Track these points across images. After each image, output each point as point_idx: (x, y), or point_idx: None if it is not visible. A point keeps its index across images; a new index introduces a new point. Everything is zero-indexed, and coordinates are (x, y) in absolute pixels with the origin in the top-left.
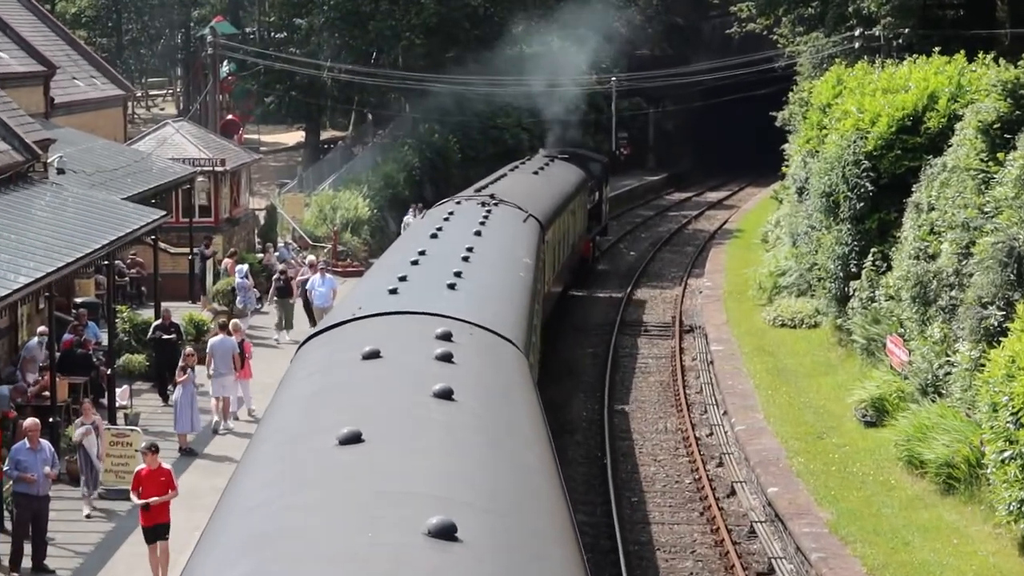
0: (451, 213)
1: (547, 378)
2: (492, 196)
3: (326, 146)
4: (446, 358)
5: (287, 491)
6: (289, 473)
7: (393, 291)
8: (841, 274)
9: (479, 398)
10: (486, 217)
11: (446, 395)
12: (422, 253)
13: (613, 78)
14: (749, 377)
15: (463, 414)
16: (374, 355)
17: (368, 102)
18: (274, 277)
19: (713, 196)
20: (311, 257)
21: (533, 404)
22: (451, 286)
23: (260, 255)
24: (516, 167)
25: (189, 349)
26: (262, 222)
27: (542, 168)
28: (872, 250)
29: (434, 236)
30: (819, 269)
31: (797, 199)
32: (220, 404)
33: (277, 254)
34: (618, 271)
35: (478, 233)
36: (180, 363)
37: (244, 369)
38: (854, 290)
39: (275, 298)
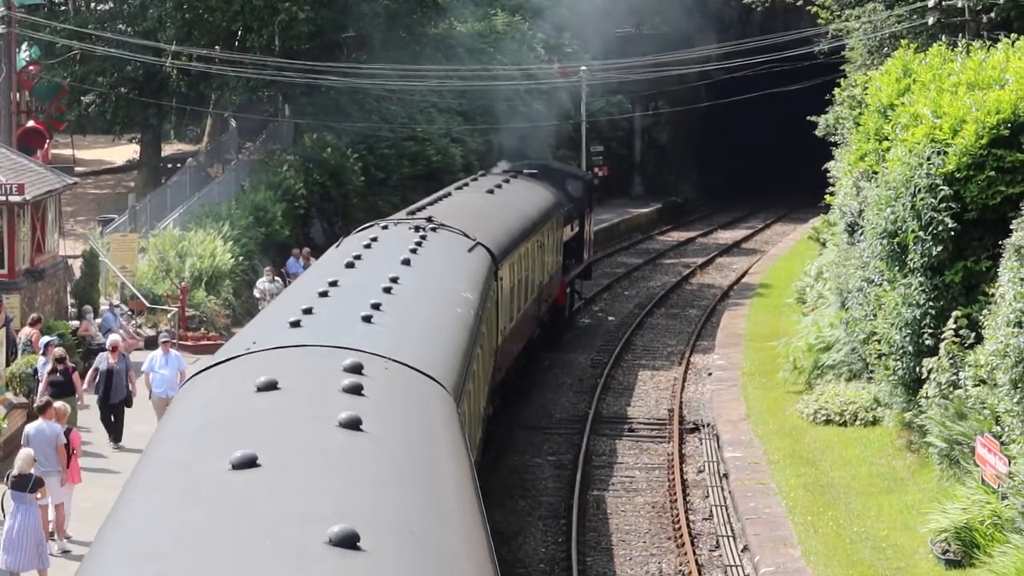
0: (374, 239)
1: (491, 496)
2: (429, 220)
3: (170, 166)
4: (355, 390)
5: (176, 511)
6: (178, 496)
7: (295, 324)
8: (911, 348)
9: (392, 431)
10: (419, 244)
11: (353, 425)
12: (333, 284)
13: (582, 67)
14: (780, 497)
15: (372, 444)
16: (270, 386)
17: (230, 103)
18: (45, 368)
19: (726, 237)
20: (115, 337)
21: (457, 447)
22: (366, 319)
23: (75, 323)
24: (464, 185)
25: None
26: (78, 275)
27: (498, 187)
28: (955, 314)
29: (350, 265)
30: (879, 342)
31: (847, 241)
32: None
33: (100, 321)
34: (590, 343)
35: (407, 262)
36: None
37: (71, 469)
38: (929, 371)
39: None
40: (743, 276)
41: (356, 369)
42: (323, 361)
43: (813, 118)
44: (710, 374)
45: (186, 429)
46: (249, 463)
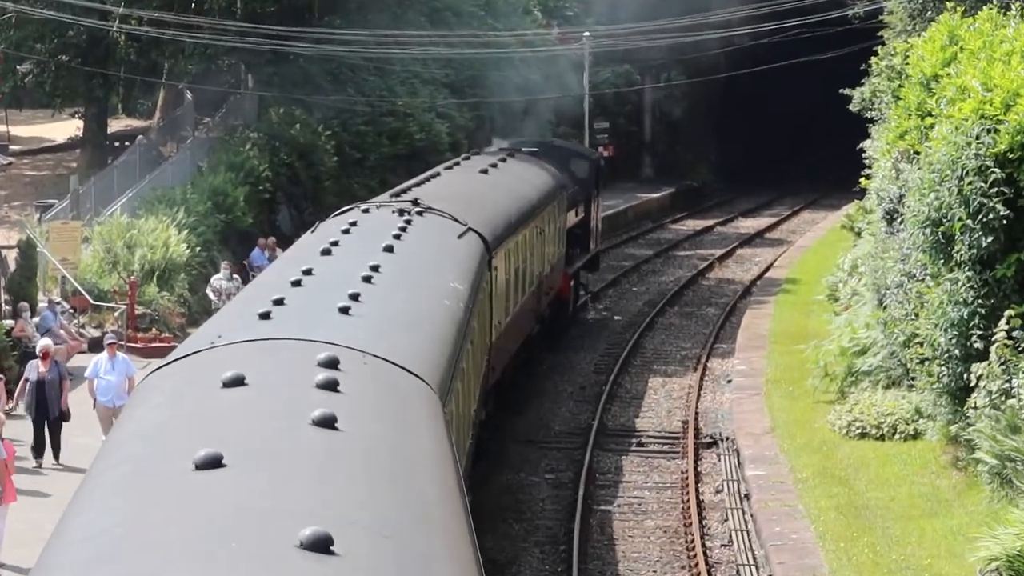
0: (353, 224)
1: (481, 519)
2: (415, 202)
3: (117, 144)
4: (329, 386)
5: (136, 513)
6: (137, 497)
7: (265, 315)
8: (957, 352)
9: (370, 430)
10: (403, 229)
11: (328, 423)
12: (308, 272)
13: (585, 33)
14: (808, 520)
15: (348, 443)
16: (237, 382)
17: (186, 73)
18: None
19: (748, 225)
20: (45, 342)
21: (442, 449)
22: (344, 310)
23: (9, 323)
24: (455, 165)
25: None
26: (12, 268)
27: (493, 167)
28: (1007, 313)
29: (327, 252)
30: (921, 344)
31: (885, 230)
32: None
33: (38, 320)
34: (594, 346)
35: (389, 249)
36: None
37: (6, 487)
38: (978, 378)
39: None
40: (767, 270)
41: (331, 364)
42: (295, 355)
43: (847, 91)
44: (729, 381)
45: (145, 427)
46: (214, 463)
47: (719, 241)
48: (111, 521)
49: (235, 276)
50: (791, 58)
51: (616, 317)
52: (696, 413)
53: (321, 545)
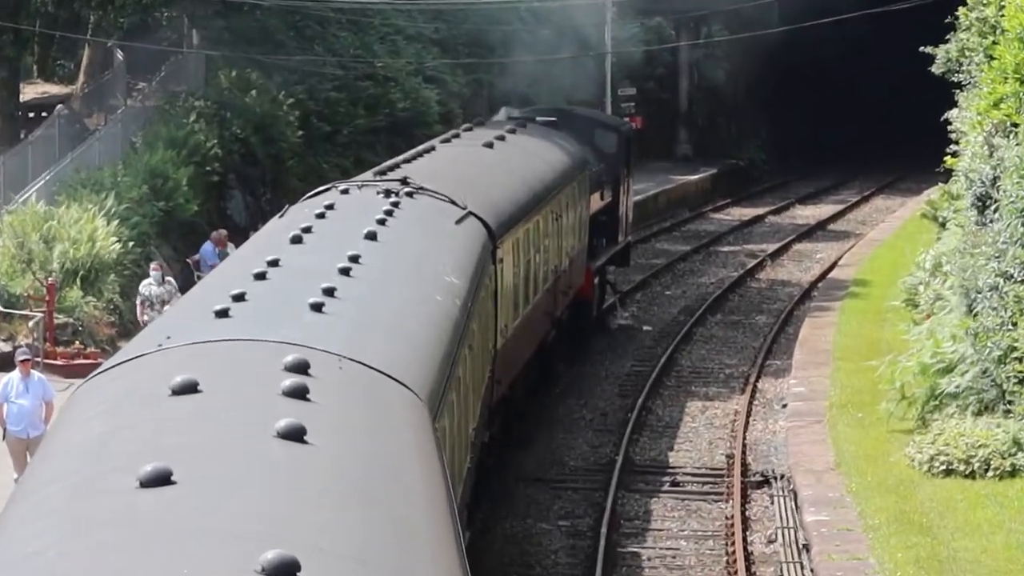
0: (330, 207)
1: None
2: (404, 181)
3: (32, 115)
4: (298, 393)
5: (71, 536)
6: (72, 518)
7: (222, 313)
8: None
9: (344, 443)
10: (389, 213)
11: (295, 435)
12: (274, 263)
13: None
14: None
15: (318, 458)
16: (189, 388)
17: (116, 27)
18: None
19: (807, 214)
20: None
21: (431, 468)
22: (316, 307)
23: None
24: (454, 137)
25: None
26: None
27: (500, 139)
28: None
29: (297, 240)
30: (1020, 360)
31: (976, 220)
32: None
33: None
34: (618, 362)
35: (372, 236)
36: None
37: None
38: None
39: None
40: (830, 269)
41: (300, 368)
42: (258, 358)
43: (929, 49)
44: (784, 406)
45: (81, 440)
46: (162, 479)
47: (771, 234)
48: (42, 544)
49: (168, 280)
50: (860, 8)
51: (645, 327)
52: (743, 445)
53: (286, 571)
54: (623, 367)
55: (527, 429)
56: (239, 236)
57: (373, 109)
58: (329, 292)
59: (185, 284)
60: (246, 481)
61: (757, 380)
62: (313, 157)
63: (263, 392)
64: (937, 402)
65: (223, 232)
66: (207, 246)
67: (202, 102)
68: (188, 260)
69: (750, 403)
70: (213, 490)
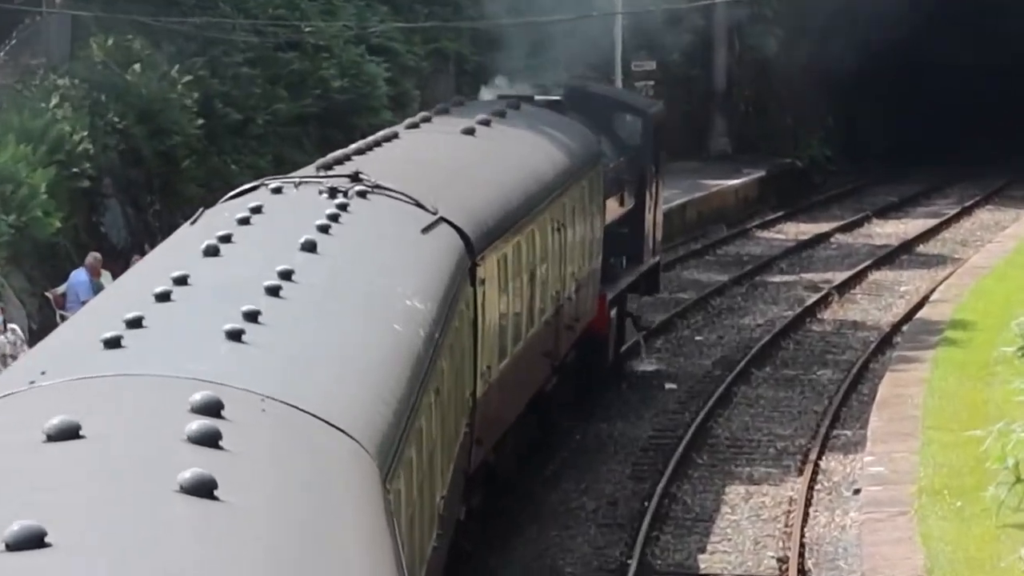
0: (257, 210)
1: None
2: (356, 177)
3: None
4: (207, 440)
5: None
6: None
7: (113, 343)
8: None
9: (264, 501)
10: (334, 219)
11: (202, 489)
12: (181, 281)
13: None
14: None
15: (232, 518)
16: (68, 433)
17: None
18: None
19: (888, 232)
20: None
21: (378, 536)
22: (234, 336)
23: None
24: (424, 122)
25: None
26: None
27: (485, 124)
28: None
29: (212, 252)
30: None
31: None
32: None
33: None
34: (633, 431)
35: (310, 247)
36: None
37: None
38: None
39: None
40: (919, 307)
41: (212, 409)
42: (157, 398)
43: None
44: (857, 492)
45: None
46: (34, 541)
47: (839, 259)
48: None
49: (12, 328)
50: None
51: (668, 385)
52: (801, 545)
53: None
54: (638, 438)
55: (512, 515)
56: (116, 262)
57: (299, 90)
58: (251, 317)
59: (43, 329)
60: (139, 545)
61: (820, 457)
62: (217, 155)
63: (163, 438)
64: None
65: (98, 256)
66: (78, 275)
67: (67, 80)
68: (49, 294)
69: (810, 488)
70: (96, 556)
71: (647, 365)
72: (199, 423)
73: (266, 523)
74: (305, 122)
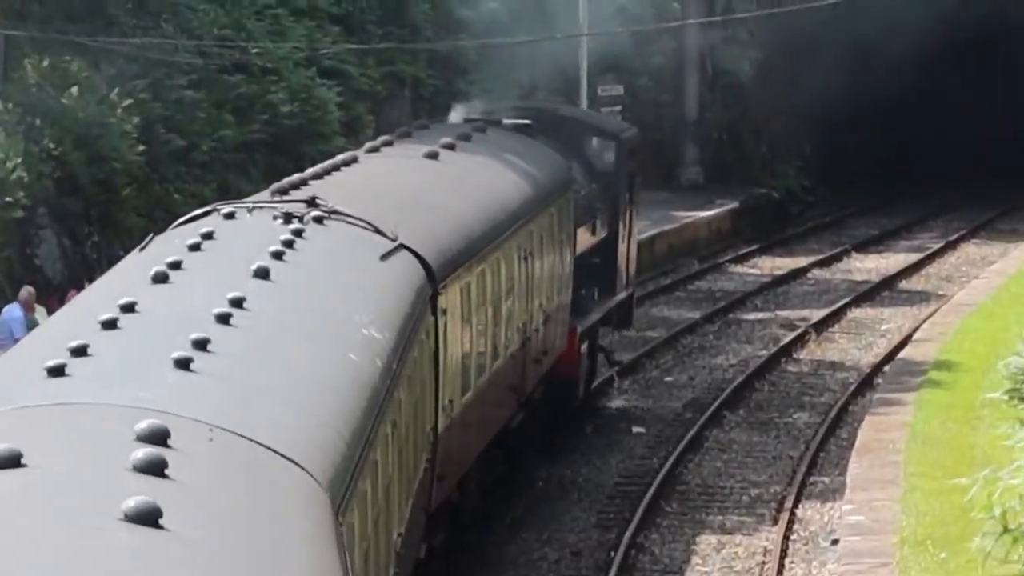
0: (209, 235)
1: None
2: (313, 202)
3: None
4: (152, 468)
5: None
6: None
7: (56, 371)
8: None
9: (211, 529)
10: (289, 245)
11: (147, 518)
12: (128, 309)
13: None
14: None
15: (177, 547)
16: (11, 462)
17: None
18: None
19: (868, 266)
20: None
21: (328, 563)
22: (182, 364)
23: None
24: (384, 146)
25: None
26: None
27: (449, 148)
28: None
29: (161, 279)
30: None
31: None
32: None
33: None
34: (599, 476)
35: (263, 274)
36: None
37: None
38: None
39: None
40: (901, 347)
41: (158, 437)
42: (102, 426)
43: None
44: (835, 542)
45: None
46: None
47: (817, 295)
48: None
49: None
50: None
51: (636, 428)
52: None
53: None
54: (604, 484)
55: (469, 568)
56: (52, 296)
57: (246, 115)
58: (200, 345)
59: None
60: (82, 574)
61: (796, 505)
62: (159, 183)
63: (107, 466)
64: None
65: (32, 291)
66: (12, 311)
67: None
68: None
69: (785, 538)
70: None
71: (620, 401)
72: (144, 451)
73: (212, 553)
74: (252, 149)
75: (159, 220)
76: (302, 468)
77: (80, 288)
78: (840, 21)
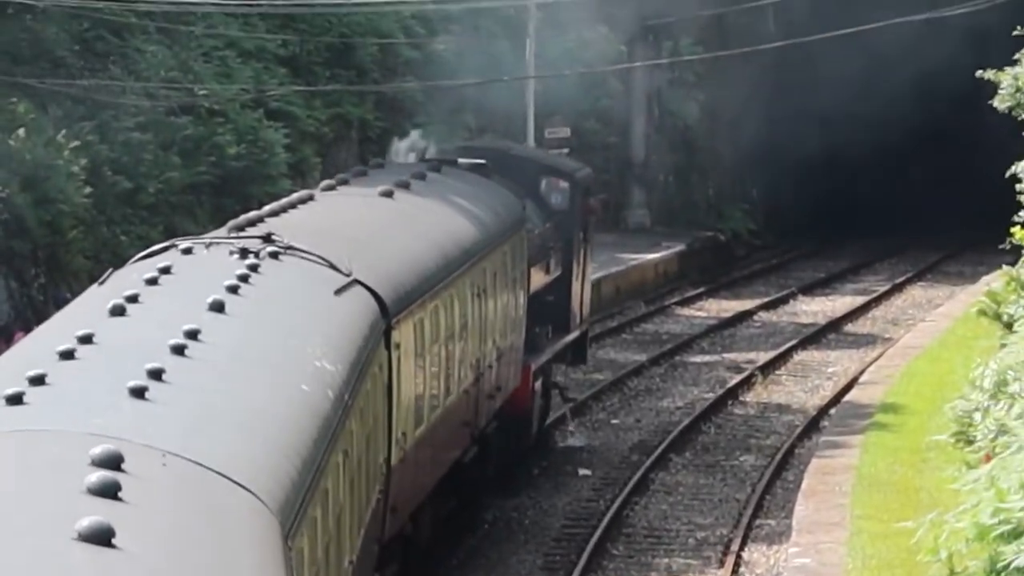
0: (166, 270)
1: None
2: (269, 239)
3: None
4: (106, 491)
5: None
6: None
7: (15, 399)
8: None
9: (162, 550)
10: (244, 279)
11: (100, 537)
12: (86, 340)
13: None
14: None
15: (129, 566)
16: None
17: None
18: None
19: (815, 309)
20: None
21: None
22: (137, 393)
23: None
24: (341, 184)
25: None
26: None
27: (404, 187)
28: None
29: (119, 312)
30: None
31: None
32: None
33: None
34: (546, 520)
35: (218, 307)
36: None
37: None
38: None
39: None
40: (847, 389)
41: (111, 462)
42: (58, 451)
43: (989, 75)
44: None
45: None
46: None
47: (763, 338)
48: None
49: None
50: (896, 14)
51: (582, 471)
52: None
53: None
54: (550, 527)
55: None
56: None
57: (193, 157)
58: (156, 375)
59: None
60: None
61: (742, 548)
62: (106, 225)
63: (62, 489)
64: None
65: None
66: None
67: None
68: None
69: None
70: None
71: (574, 440)
72: (99, 475)
73: (163, 571)
74: (199, 190)
75: (105, 262)
76: (252, 493)
77: (27, 330)
78: (786, 66)
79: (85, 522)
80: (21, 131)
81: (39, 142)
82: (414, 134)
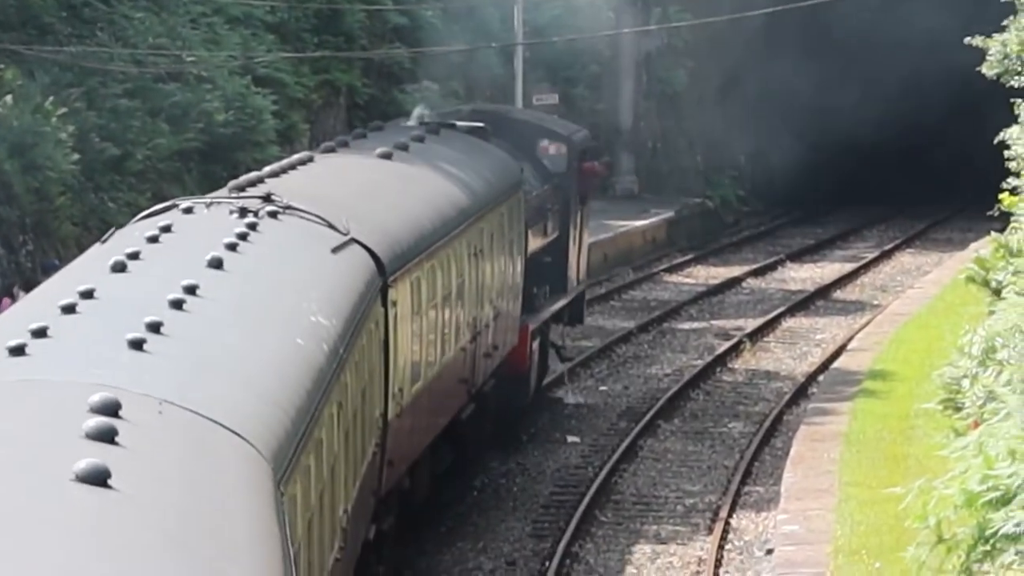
0: (167, 229)
1: None
2: (268, 198)
3: None
4: (103, 436)
5: None
6: None
7: (17, 350)
8: None
9: (157, 491)
10: (243, 237)
11: (97, 478)
12: (87, 295)
13: None
14: None
15: (124, 506)
16: None
17: None
18: None
19: (804, 276)
20: None
21: (267, 527)
22: (136, 344)
23: None
24: (340, 146)
25: None
26: None
27: (403, 149)
28: None
29: (120, 268)
30: None
31: None
32: None
33: None
34: (535, 487)
35: (217, 264)
36: None
37: None
38: None
39: None
40: (836, 356)
41: (109, 409)
42: (58, 400)
43: (977, 41)
44: (770, 552)
45: None
46: None
47: (752, 305)
48: None
49: None
50: None
51: (571, 438)
52: None
53: None
54: (539, 494)
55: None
56: None
57: (181, 123)
58: (154, 328)
59: None
60: (35, 529)
61: (730, 515)
62: (94, 192)
63: (61, 434)
64: (989, 547)
65: None
66: None
67: None
68: None
69: (720, 548)
70: None
71: (572, 397)
72: (96, 421)
73: (156, 511)
74: (187, 157)
75: (93, 229)
76: (245, 440)
77: (14, 298)
78: (775, 34)
79: (82, 464)
80: (8, 98)
81: (27, 109)
82: (420, 109)
